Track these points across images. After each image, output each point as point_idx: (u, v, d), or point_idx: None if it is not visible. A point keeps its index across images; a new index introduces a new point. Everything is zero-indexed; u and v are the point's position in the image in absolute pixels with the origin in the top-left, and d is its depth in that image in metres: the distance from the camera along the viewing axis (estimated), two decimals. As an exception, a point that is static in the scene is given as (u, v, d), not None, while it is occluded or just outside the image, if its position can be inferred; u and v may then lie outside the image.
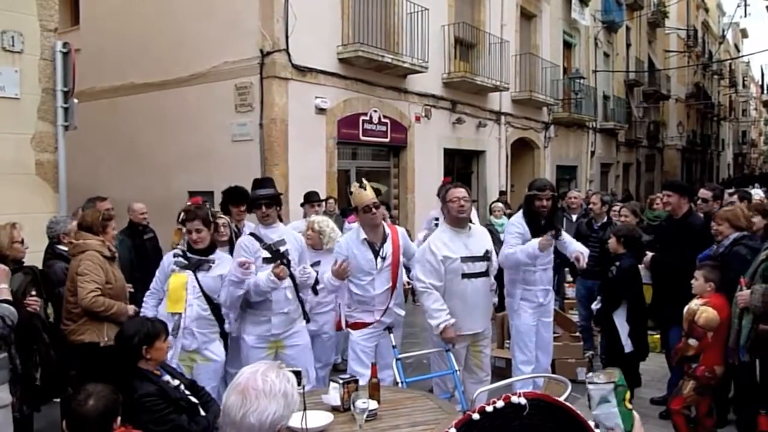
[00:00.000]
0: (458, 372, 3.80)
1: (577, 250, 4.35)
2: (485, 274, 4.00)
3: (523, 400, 1.08)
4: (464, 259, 3.87)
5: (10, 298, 3.09)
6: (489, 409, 1.11)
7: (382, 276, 3.96)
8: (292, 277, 3.89)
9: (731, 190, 6.90)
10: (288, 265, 3.85)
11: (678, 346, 3.91)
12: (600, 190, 12.08)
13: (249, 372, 1.63)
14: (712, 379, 3.78)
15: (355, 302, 4.02)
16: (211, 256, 3.79)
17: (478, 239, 4.04)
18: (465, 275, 3.87)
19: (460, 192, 3.93)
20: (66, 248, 4.22)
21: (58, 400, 3.90)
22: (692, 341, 3.72)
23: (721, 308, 3.74)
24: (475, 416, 1.09)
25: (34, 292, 3.56)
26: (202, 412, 2.92)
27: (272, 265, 3.75)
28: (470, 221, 4.10)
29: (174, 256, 3.78)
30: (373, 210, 3.88)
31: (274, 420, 1.58)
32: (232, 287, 3.65)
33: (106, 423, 2.12)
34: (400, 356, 3.73)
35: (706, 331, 3.69)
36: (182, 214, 3.85)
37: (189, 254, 3.76)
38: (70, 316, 3.81)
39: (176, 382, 2.92)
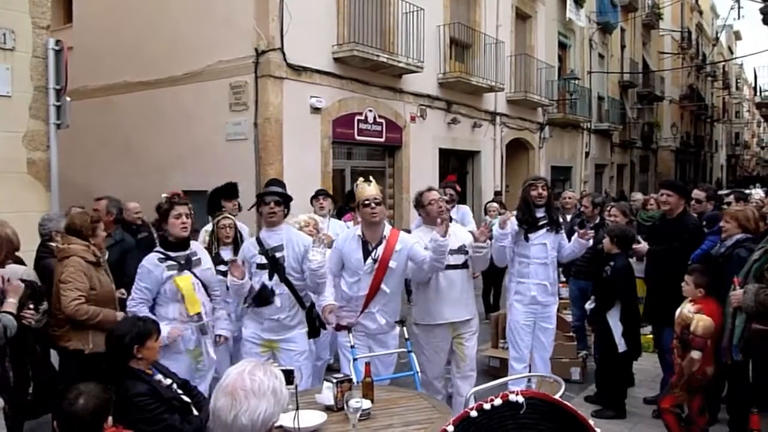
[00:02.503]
0: (419, 374, 3.80)
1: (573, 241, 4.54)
2: (462, 266, 4.07)
3: (520, 399, 1.07)
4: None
5: (14, 312, 3.10)
6: (487, 406, 1.10)
7: (369, 279, 3.79)
8: (290, 285, 3.82)
9: (725, 191, 6.95)
10: (282, 272, 3.79)
11: (680, 368, 3.83)
12: (593, 192, 12.11)
13: (235, 372, 1.61)
14: (703, 379, 3.78)
15: (342, 300, 3.92)
16: (192, 249, 3.75)
17: (454, 234, 4.03)
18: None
19: (435, 194, 4.06)
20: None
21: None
22: (695, 354, 3.67)
23: (713, 313, 3.75)
24: (473, 413, 1.09)
25: (31, 306, 3.48)
26: (195, 412, 2.91)
27: (265, 271, 3.78)
28: (452, 218, 4.24)
29: (159, 260, 3.61)
30: (372, 205, 3.73)
31: (265, 418, 1.57)
32: (233, 294, 3.82)
33: (97, 422, 2.10)
34: (357, 357, 3.69)
35: (706, 339, 3.68)
36: (167, 200, 3.68)
37: (171, 253, 3.65)
38: (56, 321, 3.74)
39: (168, 381, 2.91)
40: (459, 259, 4.05)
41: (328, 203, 6.14)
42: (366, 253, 3.79)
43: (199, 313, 3.64)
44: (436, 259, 3.71)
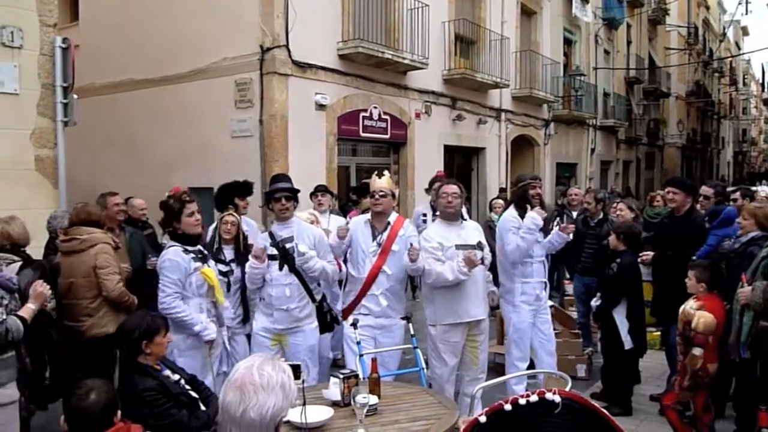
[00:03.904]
0: (424, 370, 3.82)
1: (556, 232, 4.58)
2: (480, 262, 4.06)
3: (557, 398, 1.08)
4: (458, 247, 3.97)
5: (26, 317, 3.08)
6: (522, 401, 1.10)
7: (372, 260, 4.02)
8: (299, 275, 3.91)
9: (732, 188, 6.91)
10: (291, 262, 3.88)
11: (683, 365, 3.85)
12: (595, 188, 12.09)
13: (244, 367, 1.62)
14: (706, 377, 3.76)
15: (350, 283, 4.13)
16: (200, 246, 3.84)
17: (470, 231, 4.16)
18: None
19: (451, 188, 4.09)
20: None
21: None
22: (697, 351, 3.66)
23: (716, 310, 3.73)
24: (507, 407, 1.09)
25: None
26: (202, 407, 2.92)
27: (276, 262, 3.86)
28: (462, 216, 4.18)
29: (183, 252, 3.63)
30: (377, 197, 4.01)
31: (274, 413, 1.57)
32: (250, 281, 3.91)
33: (107, 417, 2.11)
34: (363, 352, 3.73)
35: (707, 336, 3.66)
36: (175, 198, 3.74)
37: (189, 247, 3.69)
38: (87, 311, 3.82)
39: (176, 377, 2.92)
40: (476, 255, 4.04)
41: (327, 199, 6.16)
42: (373, 238, 4.05)
43: (222, 303, 3.76)
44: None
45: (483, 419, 1.17)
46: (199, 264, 3.66)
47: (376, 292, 3.98)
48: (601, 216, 6.08)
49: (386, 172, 4.15)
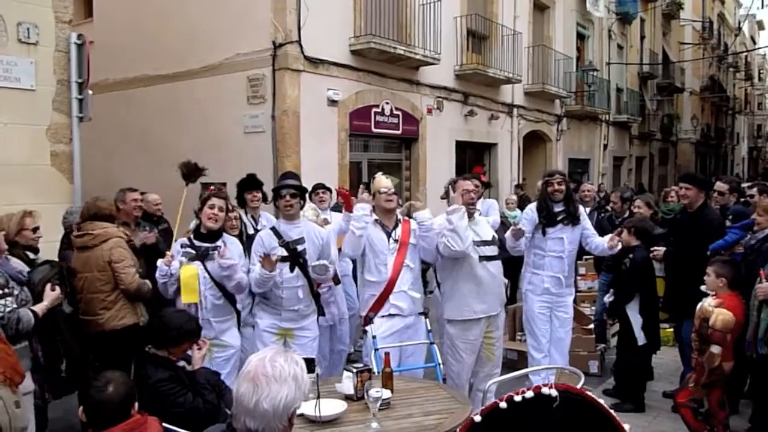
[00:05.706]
0: (440, 365, 3.82)
1: (605, 241, 4.54)
2: (497, 257, 4.14)
3: (554, 392, 1.06)
4: (476, 243, 3.99)
5: (38, 312, 3.21)
6: (517, 398, 1.09)
7: (393, 258, 3.93)
8: (308, 276, 3.89)
9: (748, 184, 6.82)
10: (303, 265, 3.87)
11: (698, 363, 3.81)
12: (620, 186, 11.99)
13: (257, 359, 1.63)
14: (721, 375, 3.72)
15: (371, 288, 3.93)
16: (218, 243, 3.75)
17: (484, 226, 4.18)
18: (482, 258, 4.00)
19: (469, 184, 4.07)
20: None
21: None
22: (715, 349, 3.61)
23: (735, 308, 3.68)
24: (503, 404, 1.08)
25: (58, 283, 3.57)
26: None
27: (286, 263, 3.81)
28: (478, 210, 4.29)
29: (181, 246, 3.73)
30: (389, 193, 3.98)
31: (286, 404, 1.59)
32: (258, 285, 3.80)
33: (125, 409, 2.14)
34: (378, 347, 3.70)
35: (725, 334, 3.62)
36: (206, 192, 3.83)
37: (196, 242, 3.73)
38: (105, 305, 3.86)
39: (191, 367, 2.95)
40: (494, 250, 4.10)
41: (328, 196, 6.19)
42: (387, 235, 3.98)
43: (194, 304, 3.63)
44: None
45: (478, 419, 1.16)
46: (183, 259, 3.66)
47: (404, 288, 3.89)
48: (626, 215, 6.05)
49: (379, 174, 4.15)
